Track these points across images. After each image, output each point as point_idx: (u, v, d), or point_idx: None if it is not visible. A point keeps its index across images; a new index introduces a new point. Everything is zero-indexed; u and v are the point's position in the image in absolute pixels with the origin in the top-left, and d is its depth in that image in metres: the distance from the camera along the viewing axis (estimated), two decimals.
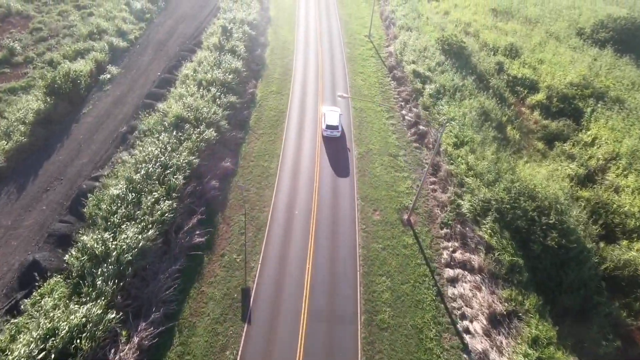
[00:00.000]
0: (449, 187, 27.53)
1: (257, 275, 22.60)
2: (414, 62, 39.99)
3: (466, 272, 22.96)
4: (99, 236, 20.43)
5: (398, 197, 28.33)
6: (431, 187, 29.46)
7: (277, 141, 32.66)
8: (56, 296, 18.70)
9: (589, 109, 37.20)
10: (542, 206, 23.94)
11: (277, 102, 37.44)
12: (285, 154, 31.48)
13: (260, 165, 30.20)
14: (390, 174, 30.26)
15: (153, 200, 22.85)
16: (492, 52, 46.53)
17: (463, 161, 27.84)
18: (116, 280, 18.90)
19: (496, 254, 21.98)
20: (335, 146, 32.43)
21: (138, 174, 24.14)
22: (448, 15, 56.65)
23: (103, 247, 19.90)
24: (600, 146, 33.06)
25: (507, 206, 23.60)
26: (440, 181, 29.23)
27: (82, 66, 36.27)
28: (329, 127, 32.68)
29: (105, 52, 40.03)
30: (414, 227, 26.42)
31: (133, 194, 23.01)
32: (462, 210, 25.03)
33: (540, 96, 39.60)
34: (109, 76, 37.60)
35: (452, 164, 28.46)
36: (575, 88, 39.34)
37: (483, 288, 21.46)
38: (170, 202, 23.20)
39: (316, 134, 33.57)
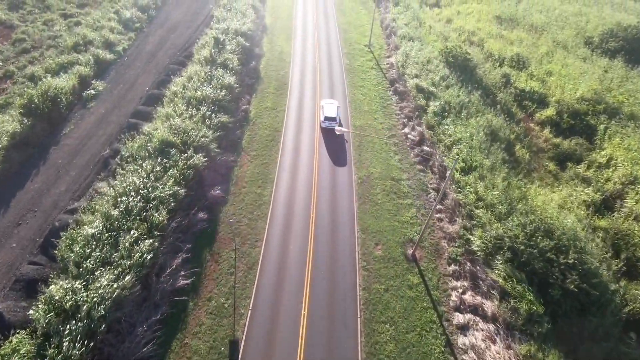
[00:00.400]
0: (457, 218, 25.41)
1: (246, 324, 20.41)
2: (416, 76, 37.86)
3: (478, 319, 20.83)
4: (69, 286, 18.24)
5: (402, 228, 26.18)
6: (437, 215, 27.34)
7: (271, 164, 30.51)
8: (18, 359, 16.52)
9: (602, 126, 35.16)
10: (560, 244, 21.84)
11: (271, 119, 35.28)
12: (280, 178, 29.33)
13: (253, 192, 28.03)
14: (392, 201, 28.11)
15: (132, 240, 20.67)
16: (498, 63, 44.45)
17: (472, 189, 25.72)
18: (86, 341, 16.71)
19: (512, 302, 19.85)
20: (334, 171, 30.29)
21: (116, 210, 21.96)
22: (451, 23, 54.58)
23: (73, 299, 17.71)
24: (616, 168, 30.98)
25: (522, 246, 21.47)
26: (447, 210, 27.10)
27: (65, 82, 34.07)
28: (327, 118, 33.52)
29: (91, 65, 37.82)
30: (420, 263, 24.28)
31: (110, 233, 20.83)
32: (473, 247, 22.89)
33: (549, 112, 37.50)
34: (93, 92, 35.40)
35: (460, 192, 26.33)
36: (587, 103, 37.27)
37: (497, 340, 19.33)
38: (151, 241, 21.02)
39: (313, 155, 31.43)
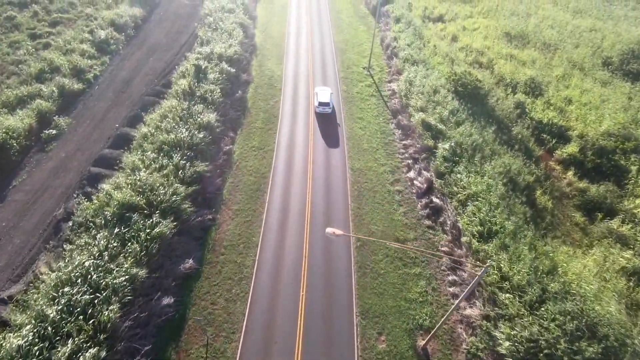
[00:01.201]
0: (476, 301, 21.07)
1: None
2: (422, 110, 33.55)
3: None
4: None
5: (409, 310, 21.81)
6: (451, 289, 23.01)
7: (255, 222, 26.13)
8: None
9: (634, 168, 31.00)
10: (608, 346, 17.57)
11: (258, 161, 30.93)
12: (265, 242, 24.94)
13: (232, 262, 23.63)
14: (398, 271, 23.76)
15: (70, 351, 16.28)
16: (511, 89, 40.26)
17: (494, 264, 21.39)
18: None
19: None
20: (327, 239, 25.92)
21: (55, 307, 17.55)
22: (457, 40, 50.41)
23: None
24: None
25: (561, 353, 17.15)
26: (462, 283, 22.78)
27: (19, 122, 29.67)
28: (321, 104, 35.47)
29: (54, 99, 33.42)
30: (432, 358, 19.93)
31: (43, 343, 16.42)
32: (499, 349, 18.51)
33: (571, 148, 33.33)
34: (54, 132, 31.00)
35: (478, 265, 22.00)
36: (614, 139, 33.12)
37: None
38: (95, 350, 16.62)
39: (305, 209, 27.08)
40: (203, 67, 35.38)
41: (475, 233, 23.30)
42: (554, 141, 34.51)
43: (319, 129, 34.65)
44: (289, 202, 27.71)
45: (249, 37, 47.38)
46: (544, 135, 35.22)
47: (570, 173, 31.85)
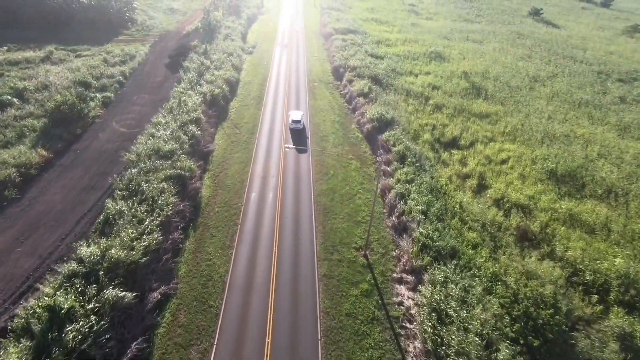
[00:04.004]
0: None
1: None
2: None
3: None
4: None
5: None
6: None
7: None
8: None
9: None
10: None
11: None
12: None
13: None
14: None
15: None
16: (599, 300, 24.61)
17: None
18: None
19: None
20: None
21: None
22: (485, 185, 36.15)
23: None
24: None
25: None
26: None
27: None
28: (294, 121, 44.41)
29: None
30: None
31: None
32: None
33: None
34: None
35: None
36: None
37: None
38: None
39: None
40: (65, 309, 19.30)
41: None
42: None
43: None
44: None
45: (190, 200, 32.48)
46: None
47: None
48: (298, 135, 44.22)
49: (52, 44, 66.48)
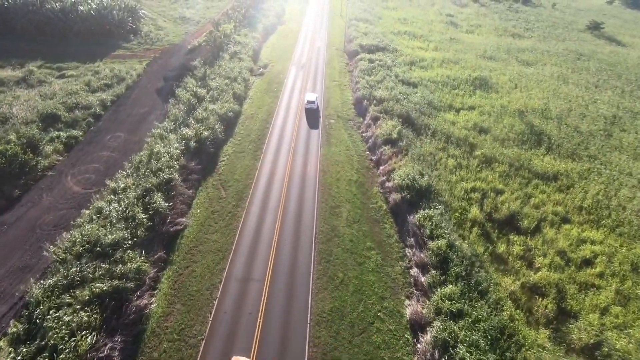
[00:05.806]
0: None
1: None
2: None
3: None
4: None
5: None
6: None
7: None
8: None
9: None
10: None
11: None
12: None
13: None
14: None
15: None
16: None
17: None
18: None
19: None
20: None
21: None
22: (569, 316, 24.13)
23: None
24: None
25: None
26: None
27: None
28: (309, 102, 49.04)
29: None
30: None
31: None
32: None
33: None
34: None
35: None
36: None
37: None
38: None
39: None
40: None
41: None
42: None
43: None
44: None
45: (125, 331, 22.23)
46: None
47: None
48: (301, 202, 33.28)
49: (38, 60, 58.78)
